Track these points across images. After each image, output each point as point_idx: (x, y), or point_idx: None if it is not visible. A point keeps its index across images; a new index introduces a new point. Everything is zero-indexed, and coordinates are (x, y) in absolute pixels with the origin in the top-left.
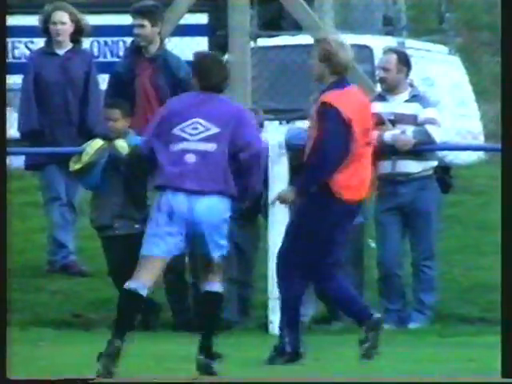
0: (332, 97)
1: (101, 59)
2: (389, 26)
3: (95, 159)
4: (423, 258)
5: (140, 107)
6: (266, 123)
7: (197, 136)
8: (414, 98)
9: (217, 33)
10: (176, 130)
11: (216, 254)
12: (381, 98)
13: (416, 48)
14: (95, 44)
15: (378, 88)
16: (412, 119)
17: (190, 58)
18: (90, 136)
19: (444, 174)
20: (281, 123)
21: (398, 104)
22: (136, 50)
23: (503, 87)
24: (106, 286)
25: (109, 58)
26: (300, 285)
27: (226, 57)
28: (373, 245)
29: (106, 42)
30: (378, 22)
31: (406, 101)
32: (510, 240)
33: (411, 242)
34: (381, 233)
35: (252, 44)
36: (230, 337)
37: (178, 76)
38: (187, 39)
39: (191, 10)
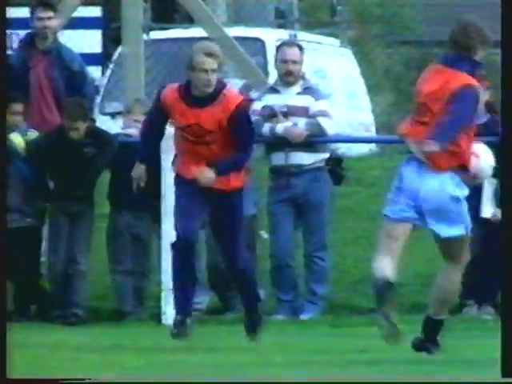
0: None
1: None
2: (281, 18)
3: None
4: (315, 249)
5: (34, 100)
6: None
7: None
8: (306, 90)
9: (110, 25)
10: None
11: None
12: (273, 90)
13: (308, 40)
14: None
15: (270, 80)
16: (304, 111)
17: (84, 50)
18: None
19: (336, 165)
20: None
21: (290, 96)
22: (30, 43)
23: (503, 86)
24: None
25: None
26: None
27: (119, 49)
28: (265, 236)
29: None
30: (270, 15)
31: (299, 93)
32: (510, 241)
33: (303, 234)
34: (273, 224)
35: (145, 37)
36: (124, 326)
37: (72, 68)
38: (81, 32)
39: (84, 3)
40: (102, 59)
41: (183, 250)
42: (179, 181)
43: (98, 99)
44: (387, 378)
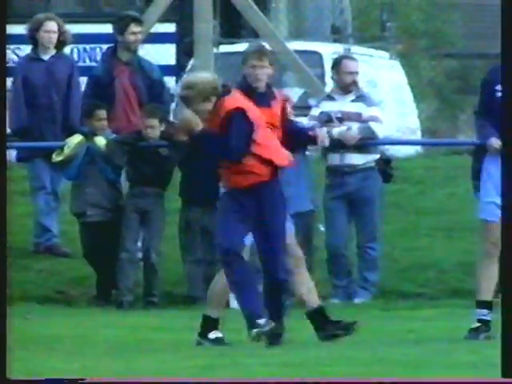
0: None
1: (80, 64)
2: (336, 34)
3: (75, 152)
4: (367, 240)
5: (120, 107)
6: None
7: None
8: (359, 98)
9: (184, 40)
10: None
11: None
12: (330, 98)
13: (361, 53)
14: (75, 50)
15: (326, 89)
16: (357, 117)
17: (160, 62)
18: (72, 132)
19: (385, 165)
20: None
21: (345, 103)
22: (112, 55)
23: (503, 86)
24: (85, 265)
25: (87, 63)
26: None
27: (191, 61)
28: (322, 229)
29: (84, 49)
30: (327, 31)
31: (352, 100)
32: (510, 241)
33: (356, 226)
34: (329, 218)
35: (215, 50)
36: (195, 310)
37: (152, 77)
38: (157, 46)
39: (161, 20)
40: (176, 70)
41: (234, 260)
42: (229, 194)
43: (173, 106)
44: (429, 357)
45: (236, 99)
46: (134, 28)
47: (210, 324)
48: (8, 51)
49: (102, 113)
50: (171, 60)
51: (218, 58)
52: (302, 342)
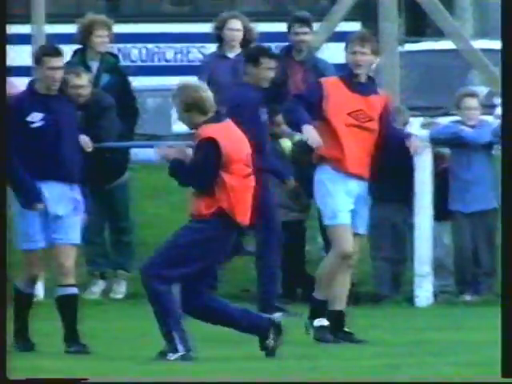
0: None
1: None
2: None
3: None
4: None
5: None
6: (412, 119)
7: None
8: None
9: None
10: None
11: None
12: None
13: None
14: None
15: None
16: None
17: (341, 61)
18: None
19: None
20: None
21: None
22: (287, 55)
23: (503, 86)
24: None
25: None
26: None
27: (377, 60)
28: None
29: (270, 47)
30: None
31: None
32: (510, 238)
33: None
34: None
35: (400, 48)
36: (380, 308)
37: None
38: (342, 45)
39: (346, 19)
40: None
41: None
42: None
43: None
44: None
45: (215, 129)
46: (297, 28)
47: (316, 306)
48: (194, 50)
49: (279, 118)
50: None
51: (403, 57)
52: (485, 341)
